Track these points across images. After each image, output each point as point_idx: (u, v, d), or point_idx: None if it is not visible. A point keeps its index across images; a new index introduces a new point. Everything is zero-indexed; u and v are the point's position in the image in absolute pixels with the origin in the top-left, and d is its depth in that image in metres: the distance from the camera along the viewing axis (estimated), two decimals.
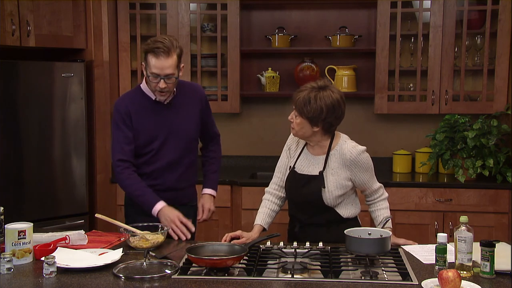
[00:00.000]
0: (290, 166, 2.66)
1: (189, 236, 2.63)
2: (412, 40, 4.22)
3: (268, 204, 2.73)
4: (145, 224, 2.50)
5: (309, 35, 4.42)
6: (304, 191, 2.58)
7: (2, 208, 2.40)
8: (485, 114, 4.06)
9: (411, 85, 4.23)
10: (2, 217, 2.40)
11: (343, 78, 4.25)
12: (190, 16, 4.22)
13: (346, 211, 2.59)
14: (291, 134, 2.67)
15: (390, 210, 2.66)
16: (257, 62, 4.48)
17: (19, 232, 2.24)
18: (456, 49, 4.11)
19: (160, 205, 2.65)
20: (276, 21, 4.43)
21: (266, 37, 4.41)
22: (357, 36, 4.30)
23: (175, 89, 2.75)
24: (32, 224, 2.31)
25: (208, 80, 4.50)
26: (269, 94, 4.37)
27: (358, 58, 4.38)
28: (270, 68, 4.38)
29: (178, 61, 2.63)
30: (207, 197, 3.00)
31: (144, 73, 2.68)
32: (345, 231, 2.31)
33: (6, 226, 2.27)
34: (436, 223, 3.87)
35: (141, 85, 2.79)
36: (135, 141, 2.73)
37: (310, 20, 4.43)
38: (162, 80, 2.61)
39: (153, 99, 2.74)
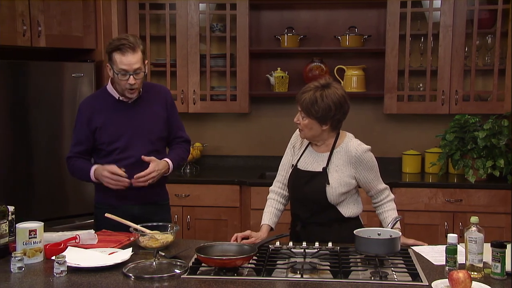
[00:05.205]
0: (293, 165, 2.66)
1: (126, 184, 2.65)
2: (422, 40, 4.20)
3: (274, 204, 2.73)
4: (155, 223, 2.54)
5: (318, 35, 4.41)
6: (307, 188, 2.57)
7: (12, 207, 2.42)
8: (496, 114, 4.04)
9: (421, 85, 4.21)
10: (13, 216, 2.42)
11: (353, 78, 4.24)
12: (199, 16, 4.23)
13: (348, 210, 2.58)
14: (296, 131, 2.66)
15: (400, 210, 2.65)
16: (266, 62, 4.48)
17: (30, 231, 2.25)
18: (466, 49, 4.09)
19: (93, 169, 2.70)
20: (285, 21, 4.43)
21: (275, 37, 4.40)
22: (366, 36, 4.29)
23: (140, 89, 2.76)
24: (43, 223, 2.32)
25: (217, 80, 4.51)
26: (278, 94, 4.37)
27: (367, 58, 4.37)
28: (279, 68, 4.38)
29: (143, 56, 2.67)
30: (162, 161, 2.79)
31: (110, 73, 2.70)
32: (354, 232, 2.29)
33: (17, 225, 2.28)
34: (446, 223, 3.85)
35: (106, 86, 2.81)
36: (99, 139, 2.75)
37: (319, 20, 4.42)
38: (131, 76, 2.63)
39: (116, 98, 2.76)
